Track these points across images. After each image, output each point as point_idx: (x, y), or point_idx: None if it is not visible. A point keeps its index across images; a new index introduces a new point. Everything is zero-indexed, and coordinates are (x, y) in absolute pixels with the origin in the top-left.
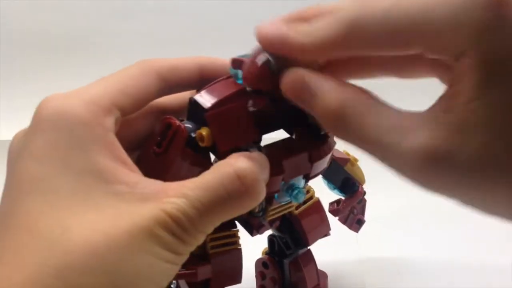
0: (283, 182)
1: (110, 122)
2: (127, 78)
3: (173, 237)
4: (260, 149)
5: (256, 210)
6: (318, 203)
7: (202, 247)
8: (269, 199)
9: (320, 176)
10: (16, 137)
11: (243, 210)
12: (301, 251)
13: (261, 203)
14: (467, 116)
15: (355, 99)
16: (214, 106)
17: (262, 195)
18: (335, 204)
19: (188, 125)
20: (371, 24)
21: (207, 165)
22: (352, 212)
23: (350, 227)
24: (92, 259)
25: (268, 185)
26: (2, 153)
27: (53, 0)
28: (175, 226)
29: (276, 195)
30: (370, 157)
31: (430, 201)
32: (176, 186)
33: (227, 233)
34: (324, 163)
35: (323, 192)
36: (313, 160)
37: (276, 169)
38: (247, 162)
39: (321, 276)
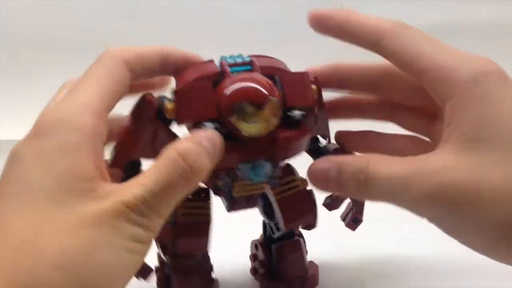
0: (247, 163)
1: (101, 127)
2: (105, 76)
3: (135, 226)
4: (217, 127)
5: (220, 184)
6: (302, 193)
7: (174, 214)
8: (232, 175)
9: None
10: (14, 148)
11: (192, 186)
12: (290, 240)
13: (223, 178)
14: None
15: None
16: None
17: (205, 169)
18: (329, 198)
19: (163, 97)
20: None
21: (176, 137)
22: (352, 210)
23: (347, 225)
24: (60, 257)
25: (225, 161)
26: (2, 153)
27: (53, 0)
28: (134, 214)
29: (238, 172)
30: None
31: None
32: (131, 181)
33: (198, 203)
34: (291, 148)
35: None
36: (276, 144)
37: (229, 148)
38: (187, 143)
39: (311, 268)
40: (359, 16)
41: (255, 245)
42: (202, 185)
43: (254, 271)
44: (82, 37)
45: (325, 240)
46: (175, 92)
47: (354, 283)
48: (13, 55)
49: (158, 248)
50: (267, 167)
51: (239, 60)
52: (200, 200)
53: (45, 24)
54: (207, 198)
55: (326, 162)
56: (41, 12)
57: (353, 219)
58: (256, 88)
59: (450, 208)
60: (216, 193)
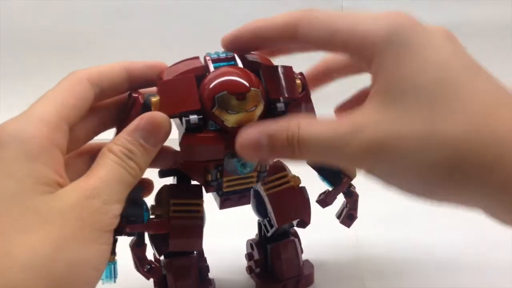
0: (234, 156)
1: (58, 137)
2: (66, 91)
3: (98, 214)
4: (201, 119)
5: (209, 178)
6: (292, 189)
7: (167, 211)
8: (220, 169)
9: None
10: None
11: (136, 177)
12: (285, 240)
13: (213, 172)
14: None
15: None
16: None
17: (144, 163)
18: (322, 195)
19: (150, 96)
20: None
21: None
22: (346, 206)
23: (342, 222)
24: (30, 256)
25: (211, 152)
26: None
27: (53, 0)
28: (94, 203)
29: (225, 164)
30: None
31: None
32: (86, 175)
33: (191, 201)
34: None
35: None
36: None
37: (214, 138)
38: (119, 140)
39: (306, 267)
40: (266, 19)
41: (250, 244)
42: (195, 182)
43: (249, 270)
44: (83, 38)
45: (325, 240)
46: (158, 84)
47: (353, 283)
48: (13, 55)
49: (153, 248)
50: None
51: (222, 56)
52: (192, 198)
53: (45, 24)
54: (200, 196)
55: (255, 131)
56: (41, 12)
57: (347, 216)
58: (237, 80)
59: (378, 161)
60: (207, 189)
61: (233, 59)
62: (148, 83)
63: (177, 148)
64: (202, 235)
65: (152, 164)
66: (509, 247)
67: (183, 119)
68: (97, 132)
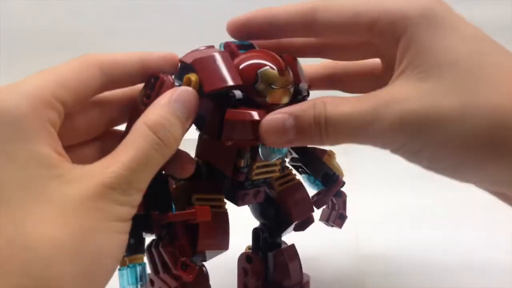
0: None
1: (50, 115)
2: (67, 72)
3: (118, 205)
4: (240, 95)
5: (242, 164)
6: (300, 184)
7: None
8: (253, 154)
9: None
10: None
11: (165, 158)
12: (285, 246)
13: (246, 156)
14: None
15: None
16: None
17: (177, 140)
18: (316, 196)
19: (176, 82)
20: None
21: None
22: (334, 208)
23: (333, 223)
24: (52, 250)
25: (252, 130)
26: None
27: (53, 0)
28: (116, 194)
29: (260, 149)
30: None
31: (431, 201)
32: (104, 160)
33: (214, 196)
34: None
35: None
36: None
37: (259, 112)
38: (156, 112)
39: (304, 277)
40: (280, 7)
41: (246, 257)
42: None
43: (244, 286)
44: (83, 38)
45: (325, 240)
46: (195, 61)
47: (353, 283)
48: (12, 55)
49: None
50: None
51: (240, 43)
52: (214, 193)
53: (45, 24)
54: (220, 191)
55: (280, 114)
56: (41, 12)
57: (339, 216)
58: (276, 57)
59: (412, 135)
60: (237, 177)
61: (252, 46)
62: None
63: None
64: (229, 232)
65: (172, 170)
66: (509, 247)
67: (226, 94)
68: (102, 127)
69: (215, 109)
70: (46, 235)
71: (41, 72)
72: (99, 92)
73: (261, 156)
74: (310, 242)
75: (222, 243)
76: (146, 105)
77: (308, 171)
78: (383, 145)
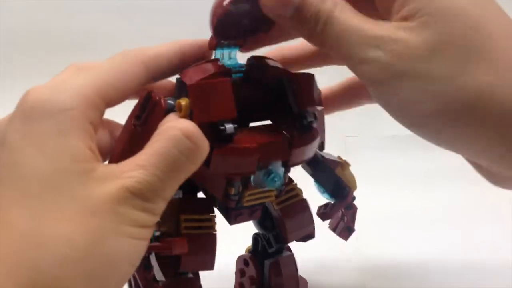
0: (261, 169)
1: (92, 113)
2: (114, 70)
3: (139, 211)
4: (235, 128)
5: (232, 192)
6: (302, 202)
7: (175, 227)
8: (244, 182)
9: (312, 180)
10: None
11: (195, 166)
12: (284, 255)
13: (237, 185)
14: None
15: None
16: (195, 82)
17: (208, 149)
18: (323, 208)
19: (170, 101)
20: None
21: None
22: (342, 219)
23: (339, 234)
24: (66, 249)
25: (243, 165)
26: None
27: (53, 0)
28: (138, 200)
29: (252, 178)
30: None
31: (431, 202)
32: (130, 161)
33: (203, 216)
34: (305, 152)
35: (315, 197)
36: (292, 146)
37: (251, 149)
38: (188, 121)
39: (302, 284)
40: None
41: (244, 260)
42: (202, 195)
43: (240, 287)
44: (82, 38)
45: (325, 240)
46: (190, 87)
47: (354, 283)
48: (12, 55)
49: (155, 270)
50: (282, 172)
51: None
52: (204, 213)
53: (45, 24)
54: (211, 210)
55: None
56: (41, 12)
57: (346, 228)
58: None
59: (406, 76)
60: (223, 203)
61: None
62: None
63: None
64: (215, 254)
65: None
66: (509, 247)
67: (217, 125)
68: None
69: (206, 137)
70: (62, 233)
71: (88, 70)
72: (143, 87)
73: (253, 184)
74: (310, 243)
75: (206, 265)
76: (136, 126)
77: (318, 181)
78: (364, 77)
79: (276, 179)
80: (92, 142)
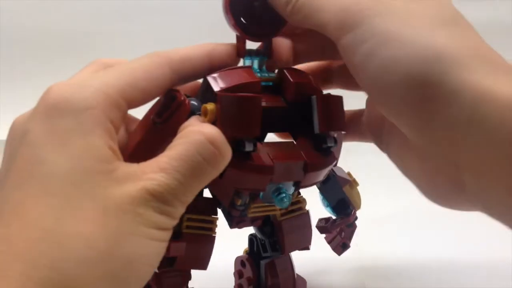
0: (272, 184)
1: (113, 113)
2: (140, 71)
3: (158, 214)
4: (255, 145)
5: (238, 203)
6: (305, 216)
7: (178, 225)
8: (253, 196)
9: (318, 190)
10: (16, 122)
11: (217, 172)
12: (279, 257)
13: (244, 198)
14: None
15: None
16: (224, 89)
17: (230, 154)
18: (324, 221)
19: (194, 102)
20: None
21: None
22: (340, 234)
23: (333, 248)
24: (85, 250)
25: (254, 182)
26: (1, 153)
27: (53, 0)
28: (158, 202)
29: (261, 194)
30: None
31: (431, 202)
32: (152, 163)
33: (206, 217)
34: (319, 175)
35: (317, 206)
36: (308, 169)
37: (266, 168)
38: (212, 127)
39: (299, 283)
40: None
41: (241, 261)
42: (209, 194)
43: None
44: (82, 38)
45: (325, 242)
46: (220, 96)
47: (354, 283)
48: (13, 55)
49: None
50: (292, 192)
51: (265, 76)
52: (208, 214)
53: (45, 24)
54: (215, 212)
55: None
56: (41, 12)
57: (341, 244)
58: None
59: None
60: (231, 211)
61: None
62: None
63: None
64: (210, 256)
65: None
66: (509, 248)
67: (238, 140)
68: None
69: None
70: (82, 233)
71: (113, 68)
72: (167, 89)
73: (261, 199)
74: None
75: (200, 265)
76: (156, 123)
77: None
78: (331, 34)
79: (285, 200)
80: (113, 142)
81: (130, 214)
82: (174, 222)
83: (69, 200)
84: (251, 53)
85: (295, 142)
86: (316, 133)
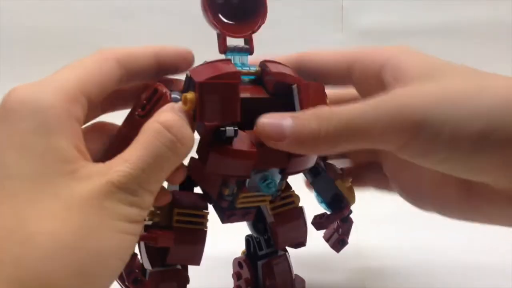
0: (257, 172)
1: (76, 109)
2: (92, 66)
3: (125, 205)
4: (237, 131)
5: (226, 193)
6: (298, 210)
7: (168, 219)
8: (240, 184)
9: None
10: None
11: (179, 157)
12: (277, 255)
13: (231, 187)
14: None
15: None
16: (204, 80)
17: (192, 139)
18: (319, 217)
19: (176, 95)
20: None
21: None
22: (337, 231)
23: (332, 246)
24: (51, 245)
25: (237, 168)
26: None
27: (53, 0)
28: (124, 194)
29: (247, 182)
30: None
31: None
32: (117, 158)
33: (196, 212)
34: (304, 162)
35: (312, 206)
36: (291, 155)
37: (248, 153)
38: (169, 114)
39: (298, 282)
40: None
41: (238, 263)
42: (200, 191)
43: None
44: (82, 38)
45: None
46: (198, 84)
47: (354, 283)
48: (12, 55)
49: (143, 259)
50: (278, 179)
51: (246, 69)
52: (198, 209)
53: (45, 24)
54: (205, 207)
55: (278, 114)
56: (41, 12)
57: (339, 241)
58: None
59: (423, 126)
60: (217, 202)
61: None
62: (175, 71)
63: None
64: (203, 251)
65: None
66: (509, 248)
67: (221, 126)
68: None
69: (206, 135)
70: (47, 229)
71: (66, 67)
72: (118, 85)
73: (248, 187)
74: (310, 243)
75: (193, 260)
76: (141, 116)
77: (317, 190)
78: (385, 144)
79: (271, 186)
80: (78, 140)
81: (96, 208)
82: (143, 213)
83: (32, 200)
84: (232, 50)
85: None
86: None
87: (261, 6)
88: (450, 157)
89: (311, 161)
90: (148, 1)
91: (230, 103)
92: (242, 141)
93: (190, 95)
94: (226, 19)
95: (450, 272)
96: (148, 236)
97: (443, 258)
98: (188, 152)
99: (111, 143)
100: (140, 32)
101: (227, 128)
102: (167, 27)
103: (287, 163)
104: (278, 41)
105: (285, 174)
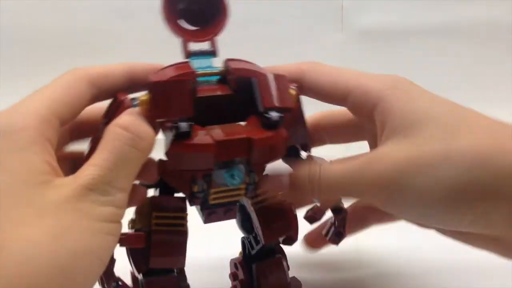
0: (223, 166)
1: (47, 130)
2: (62, 87)
3: (99, 206)
4: (190, 125)
5: (196, 189)
6: (280, 204)
7: (148, 224)
8: (208, 180)
9: None
10: None
11: (143, 153)
12: (272, 258)
13: (200, 183)
14: None
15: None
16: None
17: (151, 133)
18: (310, 211)
19: (136, 101)
20: None
21: None
22: (334, 224)
23: (329, 240)
24: (28, 249)
25: (198, 162)
26: None
27: (53, 0)
28: (96, 195)
29: (213, 175)
30: None
31: None
32: (85, 165)
33: (174, 214)
34: (270, 152)
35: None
36: (252, 145)
37: (205, 146)
38: (125, 116)
39: (294, 284)
40: (276, 66)
41: (234, 264)
42: (180, 194)
43: None
44: (82, 38)
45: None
46: (151, 84)
47: (353, 284)
48: (12, 55)
49: (131, 265)
50: (242, 170)
51: (208, 70)
52: (176, 211)
53: (45, 24)
54: (184, 209)
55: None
56: (41, 12)
57: (336, 234)
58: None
59: (398, 186)
60: (192, 201)
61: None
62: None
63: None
64: (185, 252)
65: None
66: None
67: (172, 122)
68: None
69: (167, 133)
70: (21, 235)
71: (34, 92)
72: (91, 103)
73: (214, 181)
74: None
75: (175, 262)
76: (103, 124)
77: None
78: (372, 201)
79: (235, 176)
80: (50, 157)
81: (70, 210)
82: (119, 211)
83: (6, 211)
84: (197, 54)
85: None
86: (260, 111)
87: (222, 9)
88: (427, 213)
89: (279, 152)
90: (148, 1)
91: (181, 99)
92: (201, 136)
93: (144, 96)
94: (190, 24)
95: (451, 271)
96: (121, 238)
97: (444, 257)
98: (150, 146)
99: (84, 158)
100: (140, 32)
101: (180, 124)
102: (165, 27)
103: (250, 153)
104: (278, 41)
105: (251, 165)
